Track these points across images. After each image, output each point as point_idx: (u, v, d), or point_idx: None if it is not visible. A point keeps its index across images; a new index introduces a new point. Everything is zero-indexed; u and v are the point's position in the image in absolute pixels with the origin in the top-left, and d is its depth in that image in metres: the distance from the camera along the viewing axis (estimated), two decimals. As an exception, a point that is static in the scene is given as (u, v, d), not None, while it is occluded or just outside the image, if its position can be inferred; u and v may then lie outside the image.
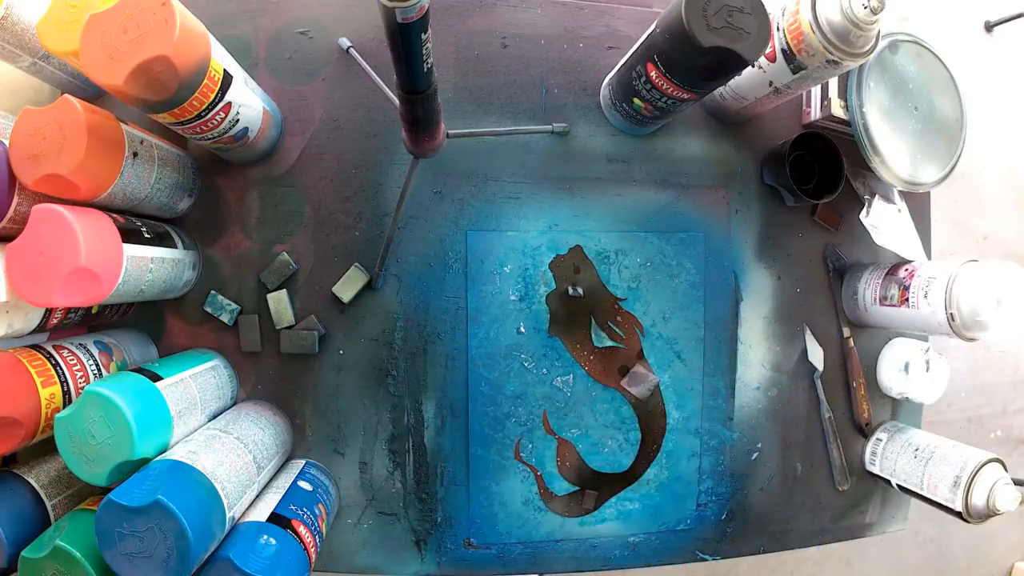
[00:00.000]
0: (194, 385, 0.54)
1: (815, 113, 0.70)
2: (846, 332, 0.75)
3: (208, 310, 0.63)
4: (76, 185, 0.46)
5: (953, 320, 0.63)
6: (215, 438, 0.51)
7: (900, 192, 0.74)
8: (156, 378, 0.50)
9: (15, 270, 0.46)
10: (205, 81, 0.46)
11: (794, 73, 0.57)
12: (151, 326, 0.64)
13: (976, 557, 1.75)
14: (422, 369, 0.66)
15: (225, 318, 0.63)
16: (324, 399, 0.65)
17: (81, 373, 0.52)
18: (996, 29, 1.76)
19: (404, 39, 0.37)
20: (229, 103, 0.51)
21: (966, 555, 1.74)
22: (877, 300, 0.70)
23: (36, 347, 0.51)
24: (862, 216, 0.71)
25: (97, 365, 0.54)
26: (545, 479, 0.68)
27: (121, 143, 0.49)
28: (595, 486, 0.69)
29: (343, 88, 0.65)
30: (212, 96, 0.48)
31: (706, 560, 0.72)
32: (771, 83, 0.60)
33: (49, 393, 0.48)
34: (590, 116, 0.68)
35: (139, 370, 0.50)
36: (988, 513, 0.65)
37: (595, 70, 0.68)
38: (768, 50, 0.57)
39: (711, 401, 0.71)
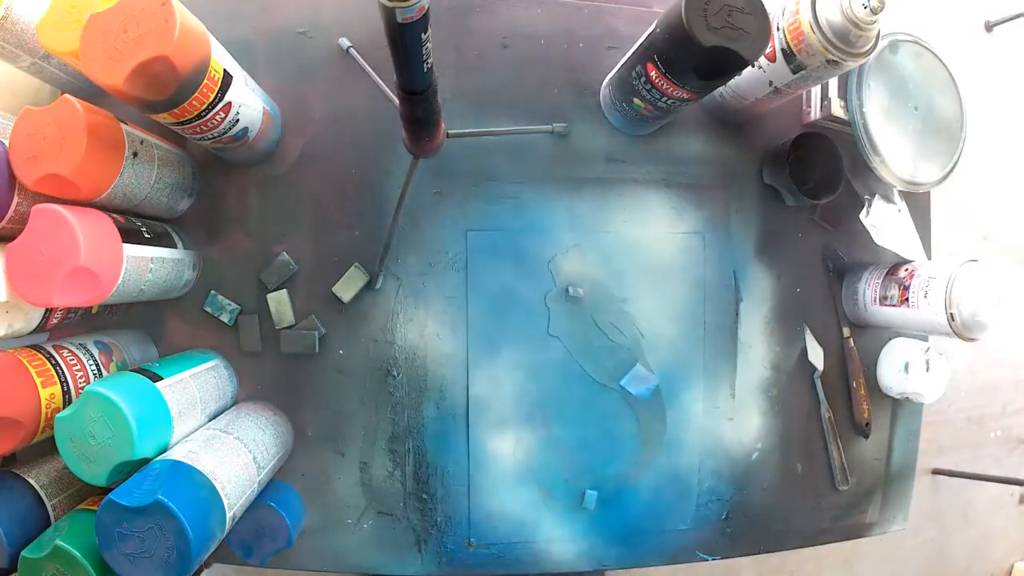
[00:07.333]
0: (194, 385, 0.54)
1: (815, 113, 0.70)
2: (846, 332, 0.75)
3: (208, 310, 0.63)
4: (76, 185, 0.46)
5: (953, 320, 0.63)
6: (215, 438, 0.51)
7: (900, 192, 0.74)
8: (156, 378, 0.50)
9: (15, 270, 0.46)
10: (205, 81, 0.46)
11: (794, 73, 0.57)
12: (151, 326, 0.64)
13: (976, 557, 1.75)
14: (422, 369, 0.66)
15: (225, 318, 0.63)
16: (324, 399, 0.65)
17: (81, 373, 0.52)
18: (996, 29, 1.76)
19: (404, 39, 0.37)
20: (229, 103, 0.51)
21: (966, 555, 1.74)
22: (877, 300, 0.70)
23: (36, 347, 0.51)
24: (862, 216, 0.71)
25: (97, 365, 0.54)
26: (545, 479, 0.68)
27: (121, 143, 0.49)
28: (595, 486, 0.69)
29: (343, 88, 0.65)
30: (212, 96, 0.48)
31: (706, 560, 0.72)
32: (771, 83, 0.60)
33: (49, 393, 0.48)
34: (590, 116, 0.68)
35: (139, 370, 0.50)
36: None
37: (595, 70, 0.68)
38: (768, 50, 0.57)
39: (711, 401, 0.71)
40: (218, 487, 0.46)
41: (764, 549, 0.73)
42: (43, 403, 0.48)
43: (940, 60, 0.71)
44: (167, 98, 0.45)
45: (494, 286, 0.67)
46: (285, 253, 0.64)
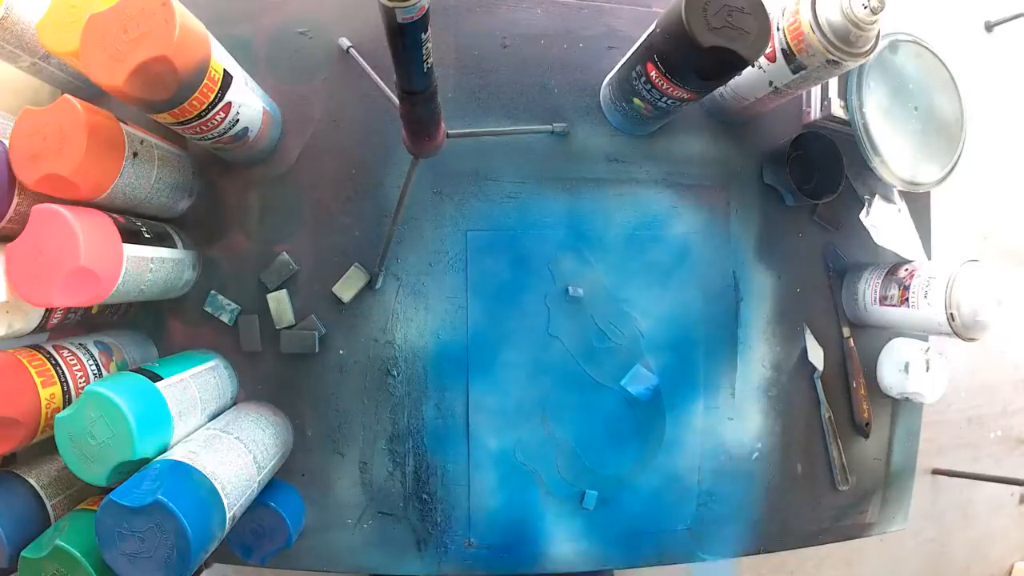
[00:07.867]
0: (194, 385, 0.54)
1: (815, 113, 0.70)
2: (846, 332, 0.75)
3: (208, 310, 0.63)
4: (76, 185, 0.46)
5: (953, 320, 0.63)
6: (215, 438, 0.51)
7: (900, 192, 0.74)
8: (156, 378, 0.50)
9: (15, 270, 0.46)
10: (205, 81, 0.46)
11: (794, 73, 0.57)
12: (151, 326, 0.64)
13: (976, 557, 1.75)
14: (422, 369, 0.66)
15: (225, 318, 0.63)
16: (324, 399, 0.65)
17: (81, 373, 0.52)
18: (996, 29, 1.76)
19: (404, 39, 0.37)
20: (229, 103, 0.51)
21: (966, 555, 1.74)
22: (877, 300, 0.70)
23: (36, 347, 0.51)
24: (862, 216, 0.71)
25: (97, 365, 0.54)
26: (545, 479, 0.68)
27: (121, 143, 0.49)
28: (595, 486, 0.69)
29: (343, 88, 0.65)
30: (212, 96, 0.48)
31: (706, 560, 0.72)
32: (771, 83, 0.60)
33: (49, 393, 0.48)
34: (590, 116, 0.68)
35: (139, 370, 0.50)
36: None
37: (595, 70, 0.68)
38: (768, 50, 0.57)
39: (711, 401, 0.71)
40: (218, 487, 0.46)
41: (764, 549, 0.73)
42: (43, 403, 0.48)
43: (940, 60, 0.71)
44: (167, 98, 0.45)
45: (494, 286, 0.66)
46: (285, 253, 0.64)
